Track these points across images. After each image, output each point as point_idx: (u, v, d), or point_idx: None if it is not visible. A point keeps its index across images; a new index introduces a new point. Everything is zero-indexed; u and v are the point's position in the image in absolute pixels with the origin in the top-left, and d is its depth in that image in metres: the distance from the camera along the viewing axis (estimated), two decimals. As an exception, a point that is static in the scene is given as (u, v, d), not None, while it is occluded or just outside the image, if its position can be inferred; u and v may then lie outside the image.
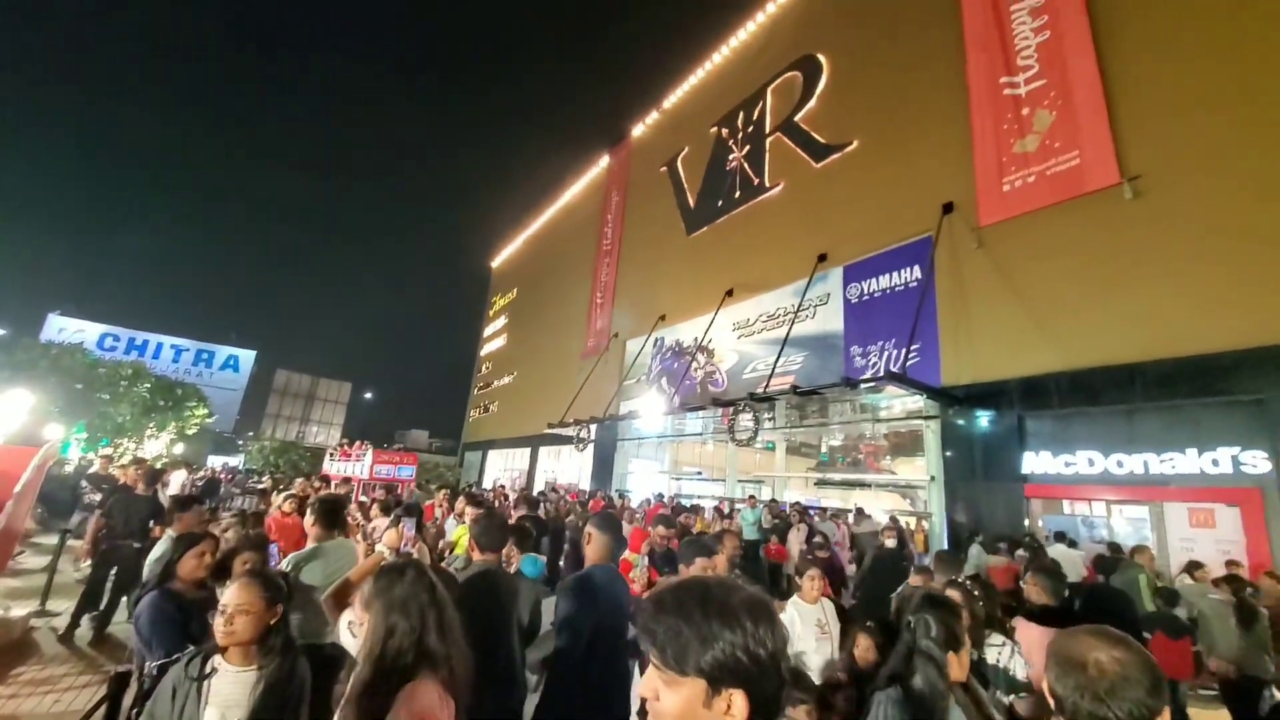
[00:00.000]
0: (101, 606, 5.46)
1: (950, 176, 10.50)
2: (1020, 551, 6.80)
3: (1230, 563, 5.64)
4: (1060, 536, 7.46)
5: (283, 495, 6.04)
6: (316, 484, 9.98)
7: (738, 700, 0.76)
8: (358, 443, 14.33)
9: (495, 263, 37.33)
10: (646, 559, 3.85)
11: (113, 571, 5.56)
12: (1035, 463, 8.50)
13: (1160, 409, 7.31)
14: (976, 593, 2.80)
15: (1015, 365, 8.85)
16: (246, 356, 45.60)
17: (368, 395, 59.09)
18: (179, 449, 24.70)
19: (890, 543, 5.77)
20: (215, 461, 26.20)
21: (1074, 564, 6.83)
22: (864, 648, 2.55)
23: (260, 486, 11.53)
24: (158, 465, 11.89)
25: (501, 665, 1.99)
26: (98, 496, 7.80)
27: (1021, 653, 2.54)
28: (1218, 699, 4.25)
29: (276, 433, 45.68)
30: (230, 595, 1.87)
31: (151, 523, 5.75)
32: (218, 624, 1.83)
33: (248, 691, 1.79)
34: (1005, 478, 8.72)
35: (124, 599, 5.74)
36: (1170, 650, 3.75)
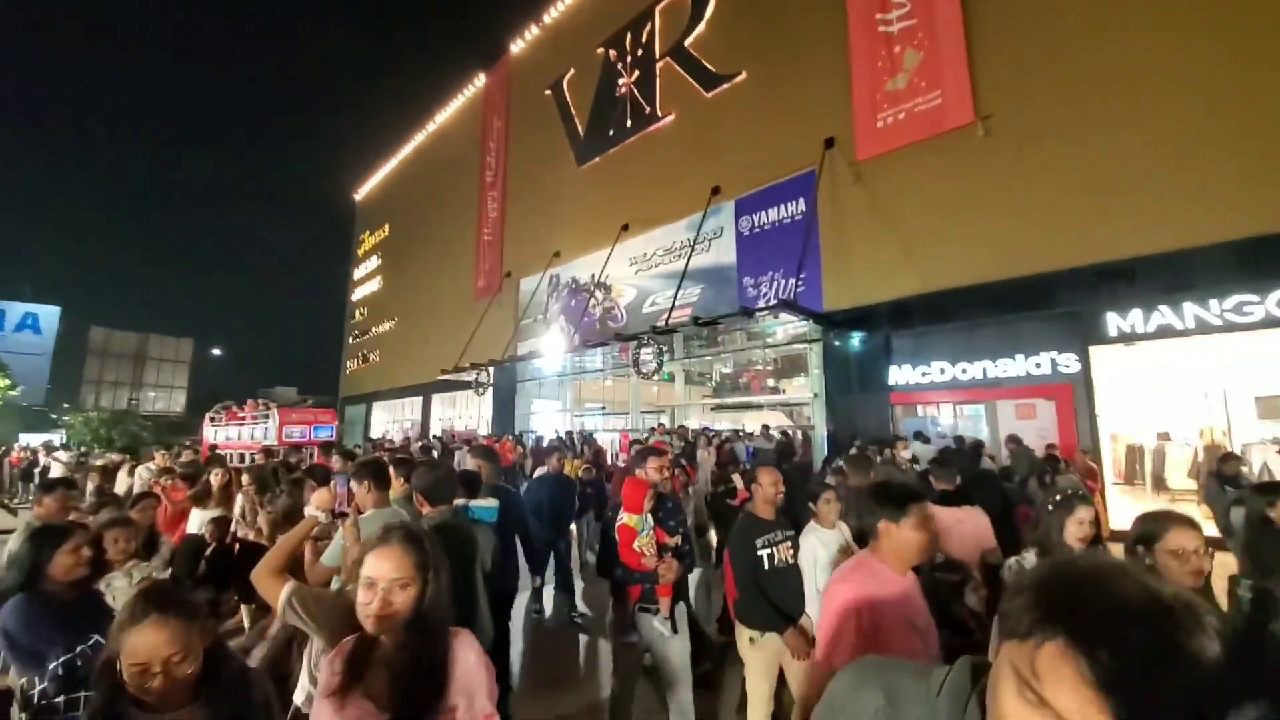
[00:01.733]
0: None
1: (832, 112, 10.99)
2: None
3: (1049, 446, 7.04)
4: (918, 435, 8.76)
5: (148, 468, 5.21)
6: (183, 454, 8.69)
7: None
8: (252, 402, 12.48)
9: (360, 195, 33.30)
10: (650, 519, 2.78)
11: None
12: (899, 375, 9.76)
13: (996, 323, 8.67)
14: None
15: (885, 290, 9.88)
16: (49, 314, 37.12)
17: (216, 352, 51.52)
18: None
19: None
20: (33, 441, 21.55)
21: (928, 456, 8.12)
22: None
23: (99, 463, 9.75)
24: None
25: (472, 614, 1.97)
26: None
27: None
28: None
29: (102, 401, 38.63)
30: (380, 562, 1.35)
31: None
32: (360, 599, 1.32)
33: None
34: (876, 390, 9.94)
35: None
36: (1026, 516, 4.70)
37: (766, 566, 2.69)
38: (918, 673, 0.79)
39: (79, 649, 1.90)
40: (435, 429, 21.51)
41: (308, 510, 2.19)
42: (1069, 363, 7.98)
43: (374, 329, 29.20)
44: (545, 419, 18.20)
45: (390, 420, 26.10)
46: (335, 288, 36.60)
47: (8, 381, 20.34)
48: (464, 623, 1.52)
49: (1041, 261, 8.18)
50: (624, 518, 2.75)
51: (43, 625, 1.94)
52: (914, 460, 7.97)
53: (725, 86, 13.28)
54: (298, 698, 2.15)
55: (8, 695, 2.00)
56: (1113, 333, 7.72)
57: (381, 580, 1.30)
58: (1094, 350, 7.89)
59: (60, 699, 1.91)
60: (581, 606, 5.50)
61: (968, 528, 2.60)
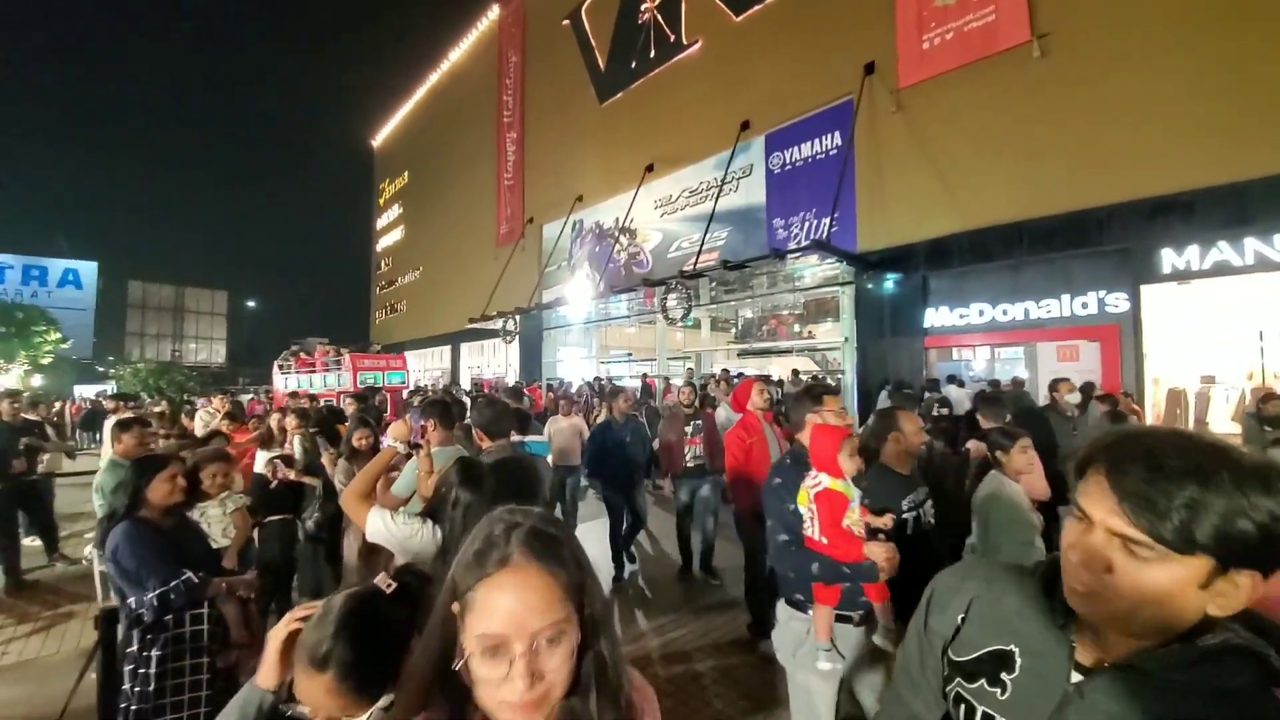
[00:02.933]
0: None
1: (873, 33, 10.23)
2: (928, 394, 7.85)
3: (1086, 385, 6.88)
4: (951, 379, 8.65)
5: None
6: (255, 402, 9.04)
7: (1246, 583, 0.61)
8: (321, 348, 12.59)
9: (377, 141, 32.81)
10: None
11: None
12: (935, 318, 9.53)
13: (1041, 262, 8.30)
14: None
15: (923, 229, 9.49)
16: (88, 269, 38.25)
17: (250, 304, 52.90)
18: (37, 381, 21.25)
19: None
20: (87, 392, 22.85)
21: (962, 401, 8.04)
22: None
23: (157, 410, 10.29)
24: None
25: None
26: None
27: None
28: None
29: (147, 353, 40.38)
30: (511, 599, 0.69)
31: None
32: (486, 674, 0.66)
33: None
34: (909, 333, 9.75)
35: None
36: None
37: (910, 531, 2.07)
38: (1020, 568, 0.83)
39: (172, 584, 2.09)
40: (464, 377, 22.04)
41: (385, 441, 2.32)
42: (1118, 302, 7.67)
43: (399, 279, 29.48)
44: (571, 366, 18.44)
45: (421, 369, 26.80)
46: (360, 239, 36.78)
47: (58, 335, 21.32)
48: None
49: (1093, 196, 7.71)
50: (823, 480, 1.82)
51: (144, 550, 2.12)
52: (944, 405, 7.92)
53: (756, 8, 12.39)
54: None
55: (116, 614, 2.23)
56: (1166, 270, 7.35)
57: (519, 637, 0.66)
58: (1145, 289, 7.54)
59: (168, 618, 2.12)
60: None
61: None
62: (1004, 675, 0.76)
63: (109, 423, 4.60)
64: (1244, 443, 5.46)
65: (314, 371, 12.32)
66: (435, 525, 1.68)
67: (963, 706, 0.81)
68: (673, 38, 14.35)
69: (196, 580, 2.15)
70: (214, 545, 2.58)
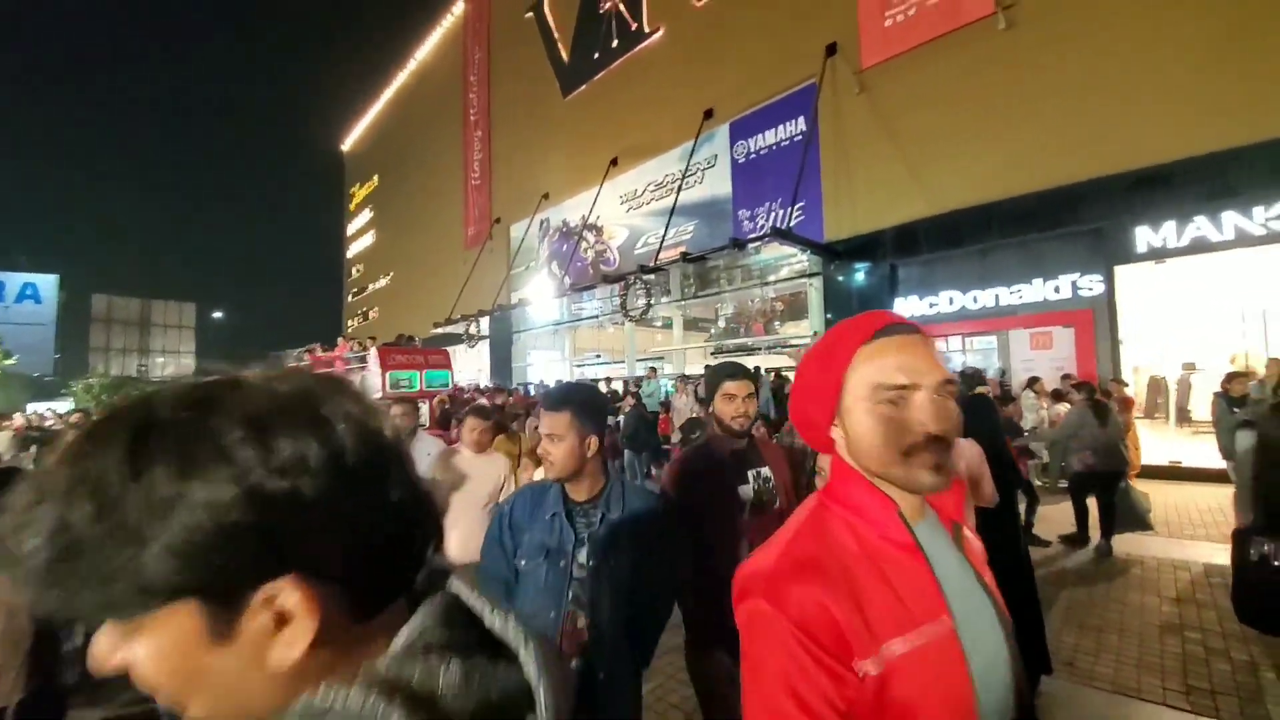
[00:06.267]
0: None
1: (834, 14, 9.81)
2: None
3: (1065, 376, 6.44)
4: (923, 371, 8.17)
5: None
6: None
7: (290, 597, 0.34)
8: (343, 342, 11.35)
9: (347, 145, 32.06)
10: None
11: None
12: (904, 307, 9.06)
13: (1012, 245, 7.86)
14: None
15: (890, 215, 9.04)
16: (47, 283, 36.90)
17: (217, 315, 51.49)
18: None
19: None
20: (41, 409, 21.72)
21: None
22: None
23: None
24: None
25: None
26: None
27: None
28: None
29: (111, 369, 39.09)
30: None
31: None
32: None
33: None
34: (879, 324, 9.27)
35: None
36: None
37: None
38: None
39: None
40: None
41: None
42: (1091, 285, 7.23)
43: (371, 285, 28.72)
44: (544, 369, 17.82)
45: (393, 376, 25.99)
46: (332, 246, 35.93)
47: (3, 351, 20.27)
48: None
49: (1063, 173, 7.29)
50: None
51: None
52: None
53: (717, -7, 11.96)
54: None
55: None
56: (1142, 249, 6.92)
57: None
58: (1120, 270, 7.11)
59: None
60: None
61: (960, 465, 2.10)
62: None
63: None
64: (1215, 424, 5.04)
65: (333, 370, 11.39)
66: None
67: None
68: (635, 26, 13.89)
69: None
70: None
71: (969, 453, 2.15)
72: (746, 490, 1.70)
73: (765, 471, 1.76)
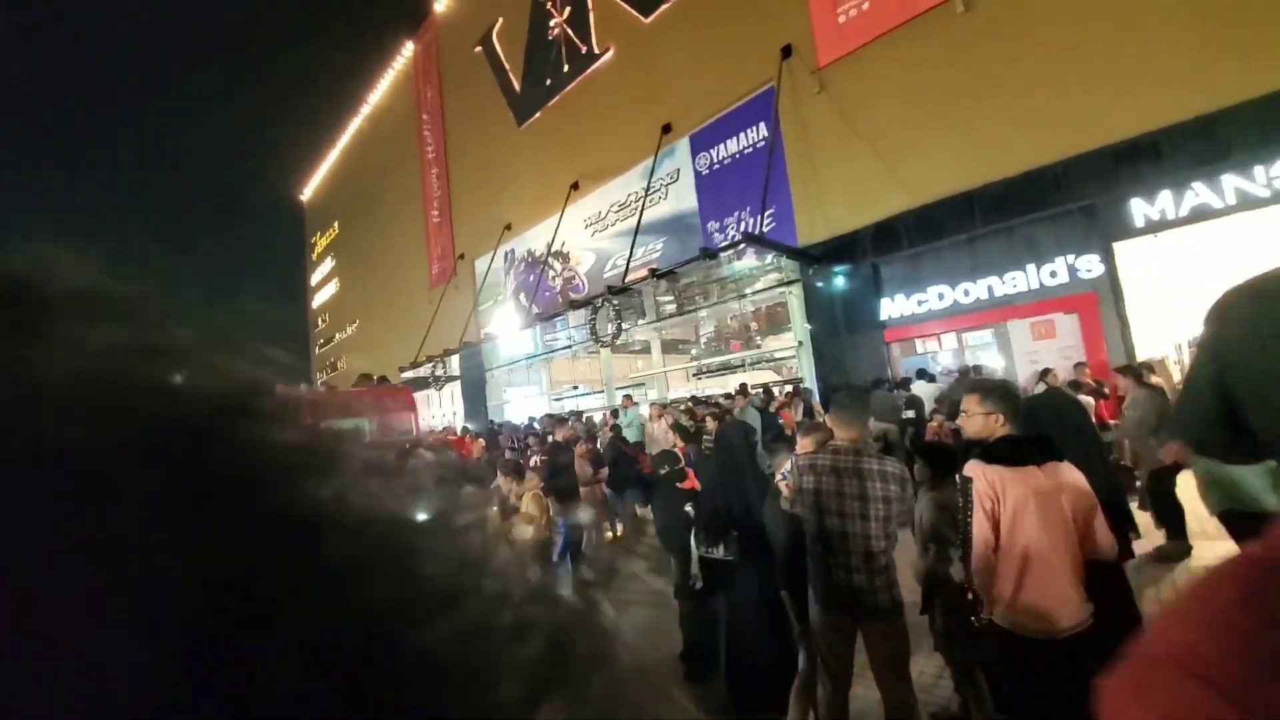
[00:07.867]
0: None
1: (786, 16, 9.51)
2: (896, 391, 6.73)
3: (1078, 365, 5.83)
4: (921, 374, 7.53)
5: None
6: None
7: None
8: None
9: (305, 195, 31.38)
10: None
11: None
12: (892, 308, 8.49)
13: (999, 232, 7.35)
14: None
15: (866, 213, 8.54)
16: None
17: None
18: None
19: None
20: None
21: (933, 397, 6.90)
22: None
23: None
24: None
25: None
26: None
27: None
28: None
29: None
30: None
31: None
32: None
33: None
34: (866, 328, 8.68)
35: None
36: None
37: None
38: None
39: None
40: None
41: None
42: (1090, 266, 6.71)
43: (337, 335, 27.69)
44: (521, 406, 16.89)
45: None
46: (296, 298, 34.86)
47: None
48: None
49: (1046, 151, 6.84)
50: None
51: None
52: (911, 405, 6.78)
53: (665, 6, 11.69)
54: None
55: None
56: (1140, 223, 6.44)
57: None
58: (1119, 247, 6.61)
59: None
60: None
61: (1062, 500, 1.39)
62: None
63: None
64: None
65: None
66: None
67: None
68: (585, 49, 13.58)
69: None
70: None
71: (1069, 481, 1.42)
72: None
73: None
